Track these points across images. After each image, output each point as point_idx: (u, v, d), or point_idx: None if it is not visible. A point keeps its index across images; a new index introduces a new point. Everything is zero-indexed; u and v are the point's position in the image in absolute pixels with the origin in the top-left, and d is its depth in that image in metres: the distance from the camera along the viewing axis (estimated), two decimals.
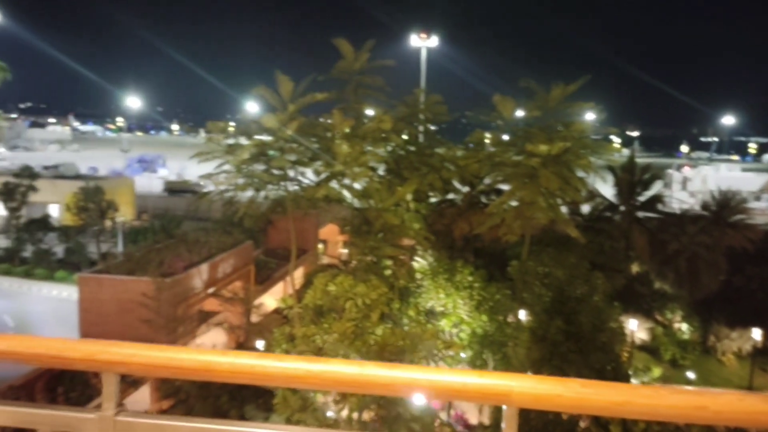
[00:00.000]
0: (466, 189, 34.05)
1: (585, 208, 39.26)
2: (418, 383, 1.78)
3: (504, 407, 1.80)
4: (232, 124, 32.87)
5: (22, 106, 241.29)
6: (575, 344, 23.45)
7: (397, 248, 27.60)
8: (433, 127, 35.18)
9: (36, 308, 38.58)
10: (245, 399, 22.49)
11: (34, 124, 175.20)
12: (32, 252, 46.70)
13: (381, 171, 31.19)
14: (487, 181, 32.71)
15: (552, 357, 22.86)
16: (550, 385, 1.73)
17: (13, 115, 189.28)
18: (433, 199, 34.20)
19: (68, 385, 23.75)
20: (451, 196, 34.72)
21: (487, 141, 33.53)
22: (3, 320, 35.10)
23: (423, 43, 52.92)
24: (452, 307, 27.17)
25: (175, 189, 78.50)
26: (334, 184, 26.82)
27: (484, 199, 33.83)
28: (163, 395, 24.42)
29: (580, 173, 28.94)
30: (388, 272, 27.43)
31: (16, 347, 1.94)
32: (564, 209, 30.84)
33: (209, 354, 1.84)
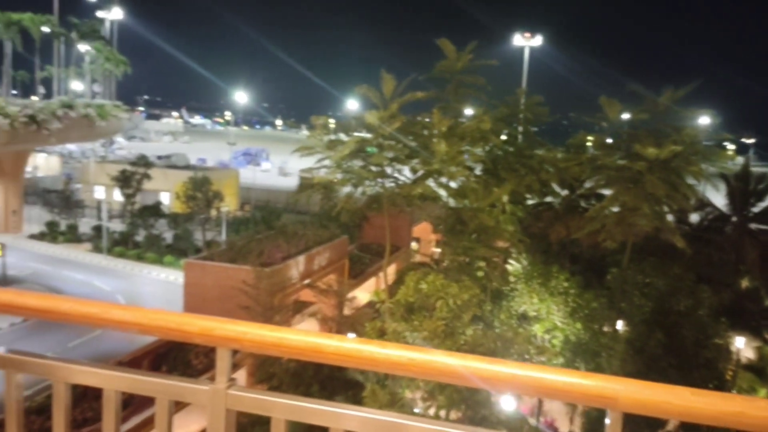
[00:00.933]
0: (564, 192, 33.16)
1: (693, 217, 37.26)
2: (521, 380, 1.77)
3: (608, 411, 1.77)
4: (332, 120, 33.61)
5: (139, 98, 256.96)
6: (675, 359, 22.35)
7: (491, 250, 27.29)
8: (533, 128, 34.52)
9: (145, 289, 41.06)
10: (335, 390, 22.96)
11: (150, 116, 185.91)
12: (144, 237, 49.66)
13: (478, 171, 30.93)
14: (588, 184, 31.69)
15: (649, 371, 21.89)
16: (658, 391, 1.69)
17: (141, 108, 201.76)
18: (530, 202, 33.54)
19: (171, 365, 25.09)
20: (548, 199, 33.92)
21: (589, 144, 32.53)
22: (115, 299, 37.56)
23: (526, 42, 51.96)
24: (546, 313, 26.56)
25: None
26: (430, 182, 26.86)
27: (583, 204, 32.79)
28: (257, 380, 25.35)
29: (690, 180, 27.55)
30: (480, 273, 27.19)
31: (140, 319, 2.09)
32: (670, 217, 29.42)
33: (317, 336, 1.92)
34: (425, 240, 48.75)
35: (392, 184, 26.86)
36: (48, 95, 43.90)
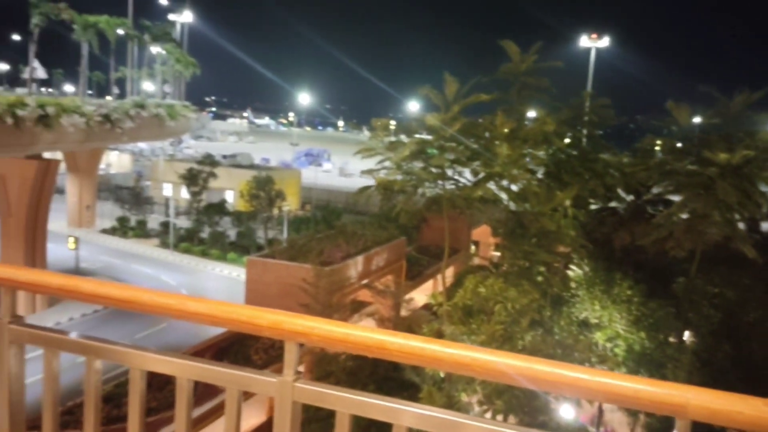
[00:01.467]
0: (630, 197, 32.28)
1: (765, 226, 35.66)
2: (587, 384, 1.76)
3: (676, 420, 1.74)
4: (393, 122, 33.74)
5: (207, 99, 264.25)
6: (744, 372, 21.44)
7: (551, 254, 26.83)
8: (598, 132, 33.75)
9: (209, 285, 42.23)
10: (390, 391, 23.05)
11: (217, 116, 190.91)
12: (209, 233, 51.08)
13: (540, 174, 30.46)
14: (655, 190, 30.75)
15: (716, 384, 21.08)
16: (729, 400, 1.65)
17: (213, 109, 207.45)
18: (593, 206, 32.80)
19: (232, 359, 25.73)
20: (613, 204, 33.07)
21: (657, 148, 31.56)
22: (180, 293, 38.79)
23: (593, 43, 50.84)
24: (608, 321, 25.92)
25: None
26: (491, 185, 26.63)
27: (650, 210, 31.82)
28: (314, 377, 25.70)
29: (763, 187, 26.40)
30: (540, 278, 26.77)
31: (214, 311, 2.19)
32: (741, 225, 28.24)
33: (382, 333, 1.96)
34: (484, 243, 48.33)
35: (452, 187, 26.76)
36: (121, 95, 45.75)
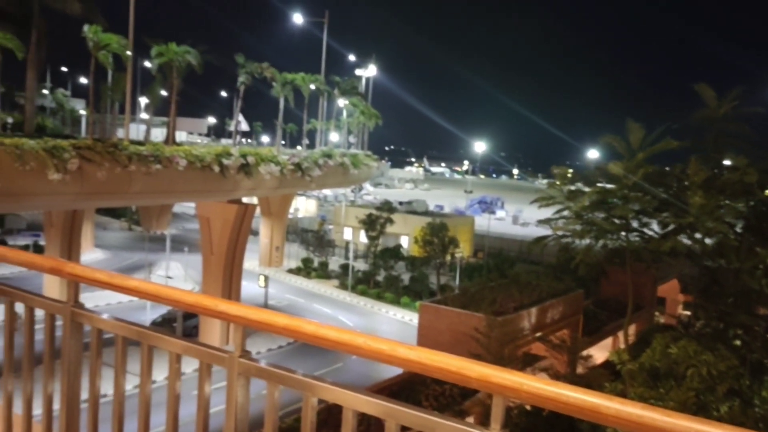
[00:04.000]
0: None
1: None
2: None
3: None
4: (570, 170, 32.78)
5: (386, 148, 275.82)
6: None
7: (752, 317, 24.16)
8: None
9: (383, 328, 43.28)
10: None
11: (395, 164, 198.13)
12: (384, 277, 52.61)
13: (739, 228, 27.77)
14: None
15: None
16: None
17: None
18: None
19: (403, 399, 26.00)
20: None
21: None
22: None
23: None
24: None
25: None
26: (682, 237, 24.76)
27: None
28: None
29: None
30: (738, 342, 24.15)
31: (423, 359, 2.27)
32: None
33: (597, 396, 1.91)
34: (671, 300, 44.78)
35: (637, 238, 25.27)
36: (311, 145, 49.32)
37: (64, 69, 67.77)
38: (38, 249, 48.86)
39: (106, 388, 3.05)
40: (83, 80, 61.35)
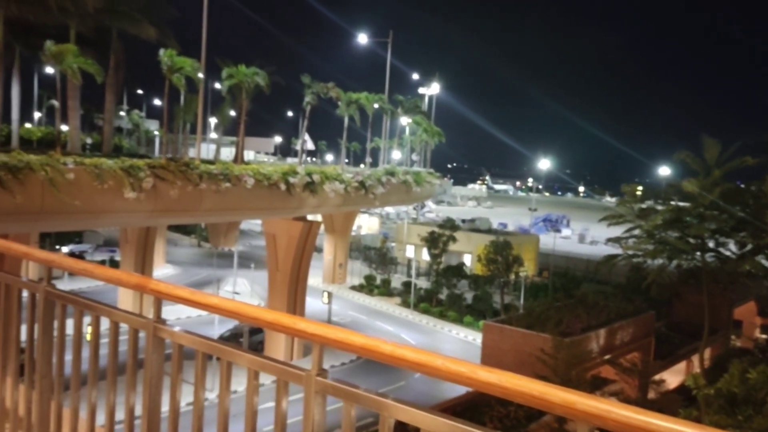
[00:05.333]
0: None
1: None
2: None
3: None
4: (640, 187, 31.87)
5: (449, 165, 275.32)
6: None
7: None
8: None
9: (445, 346, 42.90)
10: None
11: (457, 182, 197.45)
12: (447, 295, 52.25)
13: None
14: None
15: None
16: None
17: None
18: None
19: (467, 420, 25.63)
20: None
21: None
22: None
23: None
24: None
25: None
26: (760, 258, 23.63)
27: None
28: None
29: None
30: None
31: (505, 383, 2.22)
32: None
33: (692, 426, 1.82)
34: (748, 322, 42.73)
35: (713, 259, 24.25)
36: (374, 163, 49.70)
37: (139, 91, 70.84)
38: (114, 264, 51.00)
39: (185, 400, 3.14)
40: (157, 102, 63.94)
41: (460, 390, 26.03)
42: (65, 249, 55.05)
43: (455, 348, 42.49)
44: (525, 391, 2.17)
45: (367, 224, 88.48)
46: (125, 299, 36.31)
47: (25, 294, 3.90)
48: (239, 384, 2.87)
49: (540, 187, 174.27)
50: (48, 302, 3.72)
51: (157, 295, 3.22)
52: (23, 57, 34.11)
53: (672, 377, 33.01)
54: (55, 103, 28.70)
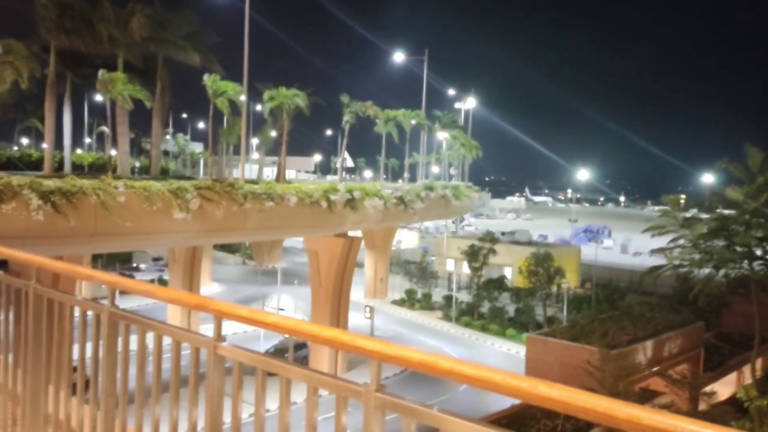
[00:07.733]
0: None
1: None
2: None
3: None
4: (683, 196, 31.41)
5: (486, 178, 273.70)
6: None
7: None
8: None
9: (487, 360, 42.60)
10: None
11: (495, 195, 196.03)
12: (488, 308, 51.91)
13: None
14: None
15: None
16: None
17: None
18: None
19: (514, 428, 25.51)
20: None
21: None
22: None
23: None
24: None
25: None
26: None
27: None
28: None
29: None
30: None
31: (566, 398, 2.28)
32: None
33: None
34: None
35: (762, 267, 23.78)
36: (412, 179, 50.01)
37: (183, 115, 72.72)
38: (162, 283, 52.20)
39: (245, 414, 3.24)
40: (201, 124, 65.53)
41: (504, 402, 25.91)
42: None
43: (498, 361, 42.17)
44: (588, 407, 2.13)
45: (406, 239, 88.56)
46: (173, 316, 37.22)
47: (76, 314, 4.09)
48: (296, 396, 2.93)
49: (579, 197, 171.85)
50: (112, 322, 3.89)
51: (217, 314, 3.29)
52: (74, 85, 35.53)
53: (723, 388, 32.21)
54: (105, 129, 29.87)
